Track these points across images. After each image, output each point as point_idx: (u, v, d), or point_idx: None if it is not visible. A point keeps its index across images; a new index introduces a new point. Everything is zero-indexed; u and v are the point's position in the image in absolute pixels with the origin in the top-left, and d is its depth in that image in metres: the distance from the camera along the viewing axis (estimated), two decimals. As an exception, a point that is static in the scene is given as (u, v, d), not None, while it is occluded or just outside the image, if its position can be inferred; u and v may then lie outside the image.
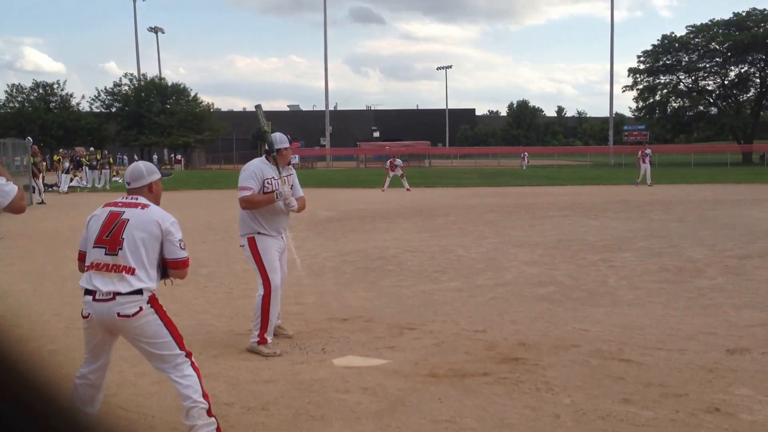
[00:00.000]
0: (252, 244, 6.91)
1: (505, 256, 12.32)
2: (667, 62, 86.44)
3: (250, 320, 7.19)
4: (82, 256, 4.64)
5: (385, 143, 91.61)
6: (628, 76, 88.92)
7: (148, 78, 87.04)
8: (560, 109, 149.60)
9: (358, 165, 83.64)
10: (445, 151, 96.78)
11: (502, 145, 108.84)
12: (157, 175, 4.87)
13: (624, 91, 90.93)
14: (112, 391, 5.02)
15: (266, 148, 7.11)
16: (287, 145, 7.16)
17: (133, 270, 4.43)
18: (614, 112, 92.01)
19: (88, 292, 4.46)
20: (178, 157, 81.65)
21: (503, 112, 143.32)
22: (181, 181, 39.40)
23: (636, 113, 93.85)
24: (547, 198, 26.77)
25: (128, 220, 4.52)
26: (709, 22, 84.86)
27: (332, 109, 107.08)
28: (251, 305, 7.11)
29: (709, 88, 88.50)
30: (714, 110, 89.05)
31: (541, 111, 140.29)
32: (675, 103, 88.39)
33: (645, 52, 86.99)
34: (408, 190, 32.19)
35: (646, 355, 6.38)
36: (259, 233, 6.92)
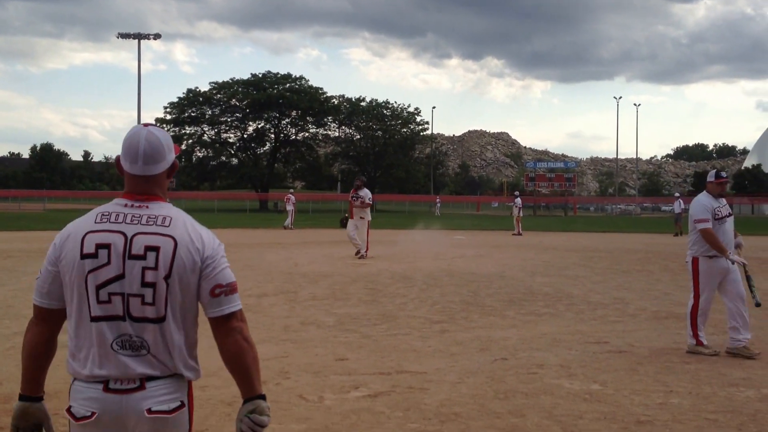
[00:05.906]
0: (695, 264, 8.33)
1: (25, 303, 11.49)
2: (192, 114, 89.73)
3: None
4: None
5: None
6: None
7: None
8: (87, 154, 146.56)
9: None
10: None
11: (24, 188, 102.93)
12: None
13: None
14: None
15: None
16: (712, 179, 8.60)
17: None
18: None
19: None
20: None
21: (25, 155, 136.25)
22: None
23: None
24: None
25: None
26: (231, 81, 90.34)
27: None
28: None
29: (231, 140, 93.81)
30: (235, 161, 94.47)
31: (67, 155, 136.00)
32: (200, 152, 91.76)
33: (171, 104, 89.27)
34: None
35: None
36: (703, 256, 8.27)
